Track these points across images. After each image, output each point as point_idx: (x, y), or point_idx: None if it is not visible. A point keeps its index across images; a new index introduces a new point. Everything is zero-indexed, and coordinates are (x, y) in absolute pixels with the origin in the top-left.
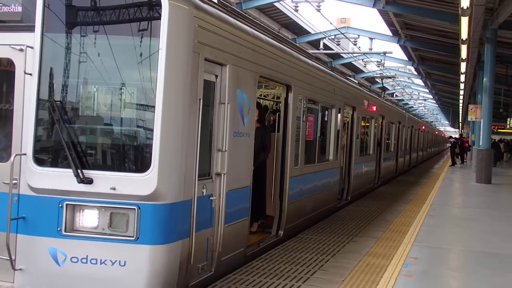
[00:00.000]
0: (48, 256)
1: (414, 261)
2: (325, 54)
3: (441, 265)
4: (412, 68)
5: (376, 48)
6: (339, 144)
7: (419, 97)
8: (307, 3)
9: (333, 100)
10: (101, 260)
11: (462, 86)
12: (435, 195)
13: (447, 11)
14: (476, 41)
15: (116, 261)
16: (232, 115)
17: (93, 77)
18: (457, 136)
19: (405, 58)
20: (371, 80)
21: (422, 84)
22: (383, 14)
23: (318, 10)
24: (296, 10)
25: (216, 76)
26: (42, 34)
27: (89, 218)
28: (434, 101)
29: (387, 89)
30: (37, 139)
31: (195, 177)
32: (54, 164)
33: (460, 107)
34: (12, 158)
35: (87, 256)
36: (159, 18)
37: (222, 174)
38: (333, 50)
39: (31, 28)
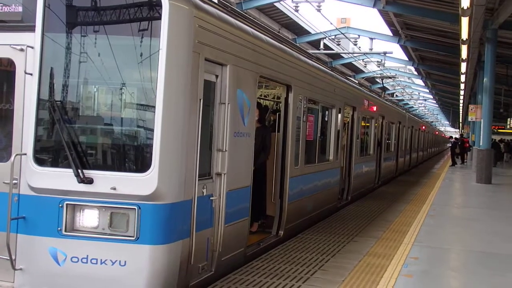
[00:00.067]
0: (48, 256)
1: (415, 261)
2: (325, 54)
3: (441, 265)
4: (412, 68)
5: (376, 48)
6: (340, 144)
7: (419, 97)
8: (307, 3)
9: (333, 100)
10: (101, 260)
11: (462, 86)
12: (435, 195)
13: (447, 11)
14: (477, 41)
15: (116, 261)
16: (232, 115)
17: (93, 77)
18: (457, 136)
19: (405, 58)
20: (371, 80)
21: (422, 84)
22: (383, 14)
23: (318, 10)
24: (297, 10)
25: (217, 76)
26: (43, 34)
27: (89, 218)
28: (434, 101)
29: (387, 89)
30: (37, 139)
31: (196, 177)
32: (55, 164)
33: (460, 107)
34: (12, 158)
35: (87, 256)
36: (159, 18)
37: (223, 174)
38: (333, 50)
39: (31, 28)
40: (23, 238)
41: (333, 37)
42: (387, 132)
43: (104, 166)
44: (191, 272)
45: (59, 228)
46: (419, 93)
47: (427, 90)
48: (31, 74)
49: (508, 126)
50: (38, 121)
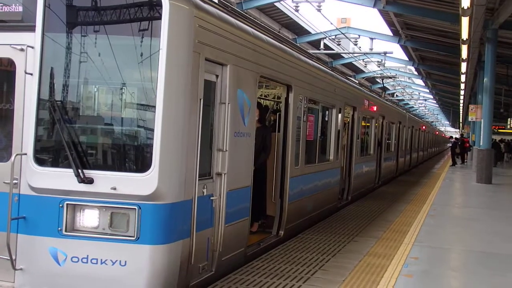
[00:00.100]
0: (48, 256)
1: (415, 261)
2: (326, 54)
3: (441, 265)
4: (413, 68)
5: (377, 48)
6: (340, 144)
7: (419, 97)
8: (307, 3)
9: (333, 100)
10: (101, 260)
11: (462, 86)
12: (435, 195)
13: (447, 11)
14: (477, 41)
15: (116, 261)
16: (232, 115)
17: (93, 77)
18: (457, 136)
19: (406, 58)
20: (372, 80)
21: (423, 84)
22: (384, 14)
23: (319, 10)
24: (297, 10)
25: (217, 76)
26: (43, 34)
27: (89, 218)
28: (435, 101)
29: (388, 89)
30: (37, 139)
31: (196, 177)
32: (55, 164)
33: (461, 107)
34: (12, 158)
35: (87, 256)
36: (159, 18)
37: (223, 174)
38: (333, 50)
39: (31, 28)
40: (24, 238)
41: (333, 37)
42: (387, 132)
43: (104, 166)
44: (191, 272)
45: (59, 228)
46: (419, 93)
47: (427, 90)
48: (31, 74)
49: (508, 126)
50: (39, 121)
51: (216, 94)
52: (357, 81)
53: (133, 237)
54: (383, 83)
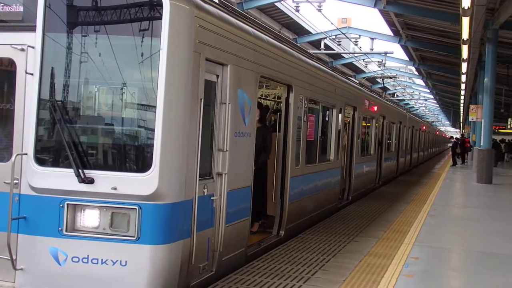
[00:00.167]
0: (49, 256)
1: (415, 261)
2: (326, 54)
3: (442, 265)
4: (413, 68)
5: (377, 48)
6: (340, 144)
7: (420, 97)
8: (308, 3)
9: (334, 100)
10: (102, 260)
11: (463, 86)
12: (436, 195)
13: (448, 11)
14: (477, 41)
15: (117, 261)
16: (233, 115)
17: (94, 77)
18: (458, 136)
19: (406, 58)
20: (372, 80)
21: (423, 84)
22: (384, 14)
23: (319, 10)
24: (297, 10)
25: (217, 76)
26: (43, 34)
27: (90, 218)
28: (435, 101)
29: (388, 89)
30: (38, 139)
31: (196, 177)
32: (55, 164)
33: (461, 107)
34: (13, 158)
35: (88, 256)
36: (160, 18)
37: (223, 174)
38: (334, 50)
39: (32, 28)
40: (24, 238)
41: (333, 37)
42: (387, 132)
43: (105, 166)
44: (192, 272)
45: (60, 228)
46: (419, 93)
47: (428, 90)
48: (31, 74)
49: (508, 126)
50: (39, 121)
51: (217, 94)
52: (357, 81)
53: (134, 237)
54: (383, 83)
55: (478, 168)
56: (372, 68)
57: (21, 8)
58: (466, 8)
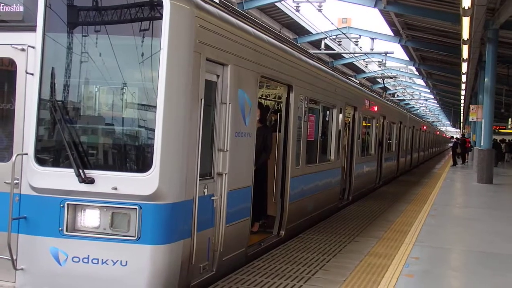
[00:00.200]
0: (49, 256)
1: (416, 261)
2: (326, 54)
3: (442, 265)
4: (413, 68)
5: (377, 48)
6: (341, 144)
7: (420, 97)
8: (308, 3)
9: (334, 100)
10: (102, 260)
11: (463, 86)
12: (436, 195)
13: (448, 11)
14: (478, 41)
15: (117, 261)
16: (233, 115)
17: (94, 77)
18: (458, 136)
19: (406, 58)
20: (373, 80)
21: (423, 84)
22: (385, 14)
23: (320, 10)
24: (298, 10)
25: (218, 76)
26: (44, 34)
27: (90, 218)
28: (436, 101)
29: (389, 89)
30: (38, 139)
31: (197, 177)
32: (56, 164)
33: (462, 107)
34: (13, 158)
35: (88, 256)
36: (160, 18)
37: (224, 174)
38: (334, 50)
39: (32, 28)
40: (24, 238)
41: (334, 37)
42: (388, 132)
43: (105, 166)
44: (192, 272)
45: (60, 228)
46: (420, 93)
47: (428, 90)
48: (32, 74)
49: (509, 126)
50: (39, 121)
51: (217, 94)
52: (358, 81)
53: (134, 237)
54: (384, 83)
55: (479, 168)
56: (373, 68)
57: (21, 8)
58: (466, 8)
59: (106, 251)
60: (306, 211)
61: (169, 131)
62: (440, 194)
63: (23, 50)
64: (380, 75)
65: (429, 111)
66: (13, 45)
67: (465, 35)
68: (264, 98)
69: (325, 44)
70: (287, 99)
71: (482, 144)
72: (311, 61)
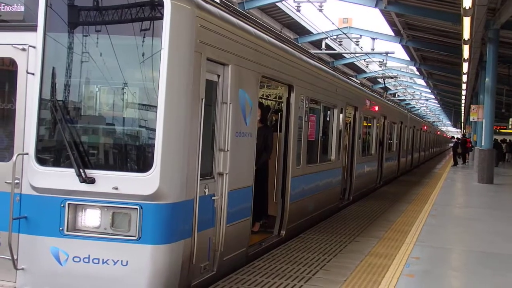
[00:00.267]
0: (50, 255)
1: (416, 261)
2: (327, 54)
3: (443, 265)
4: (414, 68)
5: (378, 48)
6: (341, 144)
7: (421, 97)
8: (309, 3)
9: (335, 100)
10: (103, 259)
11: (464, 86)
12: (437, 195)
13: (449, 11)
14: (478, 41)
15: (118, 260)
16: (234, 115)
17: (95, 76)
18: (459, 136)
19: (407, 58)
20: (373, 80)
21: (424, 84)
22: (385, 14)
23: (320, 10)
24: (298, 10)
25: (218, 76)
26: (45, 34)
27: (91, 218)
28: (436, 101)
29: (389, 89)
30: (39, 139)
31: (197, 177)
32: (56, 163)
33: (462, 107)
34: (14, 157)
35: (89, 255)
36: (161, 18)
37: (224, 174)
38: (335, 50)
39: (33, 28)
40: (25, 238)
41: (335, 37)
42: (389, 132)
43: (106, 166)
44: (193, 272)
45: (61, 228)
46: (420, 93)
47: (429, 90)
48: (33, 74)
49: (509, 126)
50: (40, 121)
51: (218, 94)
52: (358, 81)
53: (135, 237)
54: (384, 83)
55: (479, 168)
56: (373, 68)
57: (22, 8)
58: (467, 8)
59: (106, 251)
60: (307, 211)
61: (170, 131)
62: (441, 194)
63: (24, 50)
64: (381, 75)
65: (429, 111)
66: (14, 45)
67: (466, 35)
68: (265, 98)
69: (326, 44)
70: (288, 99)
71: (482, 144)
72: (312, 61)
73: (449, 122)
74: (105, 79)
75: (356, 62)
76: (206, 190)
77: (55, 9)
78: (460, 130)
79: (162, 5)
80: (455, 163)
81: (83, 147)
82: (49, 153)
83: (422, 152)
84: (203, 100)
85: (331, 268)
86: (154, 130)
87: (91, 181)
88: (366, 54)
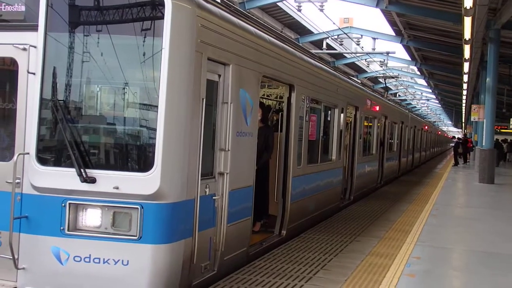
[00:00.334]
0: (51, 255)
1: (417, 261)
2: (328, 54)
3: (443, 265)
4: (415, 68)
5: (379, 48)
6: (342, 144)
7: (422, 97)
8: (310, 3)
9: (336, 100)
10: (104, 259)
11: (465, 86)
12: (438, 195)
13: (450, 11)
14: (479, 41)
15: (119, 260)
16: (235, 114)
17: (96, 76)
18: (460, 136)
19: (408, 58)
20: (374, 80)
21: (425, 84)
22: (386, 14)
23: (321, 10)
24: (299, 10)
25: (219, 75)
26: (45, 34)
27: (92, 217)
28: (437, 101)
29: (390, 89)
30: (40, 139)
31: (198, 176)
32: (57, 163)
33: (463, 107)
34: (15, 157)
35: (90, 255)
36: (162, 17)
37: (225, 174)
38: (336, 50)
39: (34, 28)
40: (26, 238)
41: (335, 37)
42: (389, 132)
43: (106, 166)
44: (193, 271)
45: (61, 228)
46: (421, 93)
47: (430, 90)
48: (33, 74)
49: (510, 126)
50: (41, 121)
51: (219, 94)
52: (359, 81)
53: (136, 236)
54: (385, 83)
55: (480, 168)
56: (374, 68)
57: (23, 8)
58: (468, 8)
59: (107, 251)
60: (308, 211)
61: (171, 131)
62: (442, 194)
63: (24, 49)
64: (381, 75)
65: (430, 111)
66: (14, 45)
67: (467, 35)
68: (265, 98)
69: (327, 44)
70: (289, 98)
71: (483, 144)
72: (312, 61)
73: (450, 122)
74: (106, 79)
75: (357, 62)
76: (207, 190)
77: (56, 8)
78: (461, 130)
79: (163, 4)
80: (456, 163)
81: (84, 146)
82: (50, 152)
83: (423, 152)
84: (204, 100)
85: (331, 268)
86: (155, 129)
87: (92, 180)
88: (367, 54)
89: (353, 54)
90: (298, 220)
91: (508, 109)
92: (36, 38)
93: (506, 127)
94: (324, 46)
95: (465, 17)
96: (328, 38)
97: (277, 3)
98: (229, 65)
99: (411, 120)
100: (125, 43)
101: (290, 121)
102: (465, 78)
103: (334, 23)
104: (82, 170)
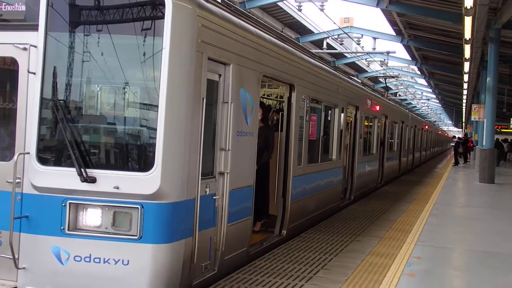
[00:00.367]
0: (51, 254)
1: (417, 261)
2: (329, 53)
3: (444, 265)
4: (416, 68)
5: (380, 47)
6: (342, 143)
7: (422, 96)
8: (310, 3)
9: (336, 99)
10: (104, 259)
11: (465, 85)
12: (438, 195)
13: (450, 10)
14: (480, 40)
15: (119, 260)
16: (235, 114)
17: (96, 76)
18: (460, 135)
19: (409, 57)
20: (375, 79)
21: (426, 83)
22: (387, 13)
23: (322, 10)
24: (300, 10)
25: (220, 75)
26: (46, 33)
27: (92, 217)
28: (438, 101)
29: (391, 88)
30: (40, 138)
31: (198, 176)
32: (58, 163)
33: (464, 107)
34: (15, 157)
35: (90, 255)
36: (162, 17)
37: (225, 173)
38: (336, 49)
39: (34, 27)
40: (26, 237)
41: (336, 36)
42: (390, 131)
43: (107, 165)
44: (194, 271)
45: (62, 227)
46: (422, 93)
47: (430, 90)
48: (34, 73)
49: (511, 126)
50: (41, 120)
51: (219, 94)
52: (359, 81)
53: (136, 236)
54: (385, 83)
55: (480, 168)
56: (375, 68)
57: (23, 7)
58: (468, 7)
59: (107, 250)
60: (308, 210)
61: (171, 130)
62: (442, 193)
63: (25, 49)
64: (382, 75)
65: (431, 110)
66: (15, 44)
67: (467, 34)
68: (266, 98)
69: (327, 43)
70: (289, 98)
71: (484, 143)
72: (313, 61)
73: (450, 122)
74: (106, 79)
75: (357, 62)
76: (207, 190)
77: (56, 8)
78: (461, 129)
79: (163, 4)
80: (456, 163)
81: (84, 146)
82: (50, 152)
83: (424, 152)
84: (204, 99)
85: (332, 268)
86: (155, 129)
87: (92, 180)
88: (367, 53)
89: (354, 54)
90: (298, 220)
91: (508, 108)
92: (36, 37)
93: (506, 126)
94: (325, 45)
95: (465, 17)
96: (328, 37)
97: (278, 3)
98: (230, 65)
99: (411, 119)
100: (126, 42)
101: (290, 120)
102: (466, 77)
103: (334, 23)
104: (82, 170)
